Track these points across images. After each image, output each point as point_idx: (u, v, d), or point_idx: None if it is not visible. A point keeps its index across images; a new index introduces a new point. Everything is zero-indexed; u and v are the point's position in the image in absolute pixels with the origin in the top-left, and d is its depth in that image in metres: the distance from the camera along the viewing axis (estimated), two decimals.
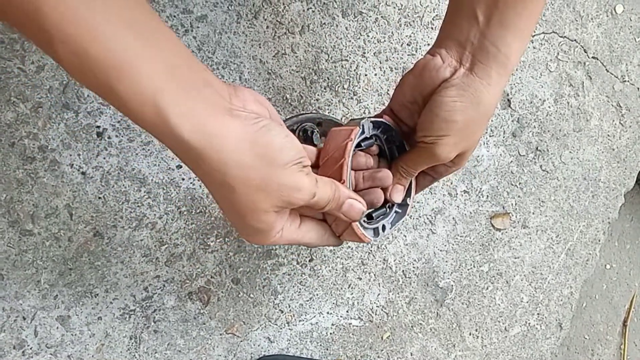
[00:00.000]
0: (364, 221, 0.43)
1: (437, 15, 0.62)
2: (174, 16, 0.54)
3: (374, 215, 0.44)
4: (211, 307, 0.58)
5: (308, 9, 0.58)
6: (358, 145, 0.42)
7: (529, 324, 0.72)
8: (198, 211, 0.57)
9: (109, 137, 0.54)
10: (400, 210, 0.46)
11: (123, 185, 0.54)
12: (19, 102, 0.51)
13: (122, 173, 0.54)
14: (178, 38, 0.31)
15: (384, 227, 0.45)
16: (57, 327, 0.54)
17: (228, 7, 0.55)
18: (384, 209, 0.45)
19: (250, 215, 0.33)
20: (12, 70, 0.50)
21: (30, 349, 0.53)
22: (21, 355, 0.53)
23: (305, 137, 0.52)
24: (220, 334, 0.59)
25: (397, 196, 0.44)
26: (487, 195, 0.67)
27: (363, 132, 0.42)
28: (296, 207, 0.36)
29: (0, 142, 0.51)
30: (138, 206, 0.55)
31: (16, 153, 0.51)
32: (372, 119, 0.43)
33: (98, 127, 0.53)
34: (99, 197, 0.54)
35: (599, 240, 0.75)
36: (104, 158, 0.54)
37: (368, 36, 0.60)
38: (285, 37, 0.58)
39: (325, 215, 0.41)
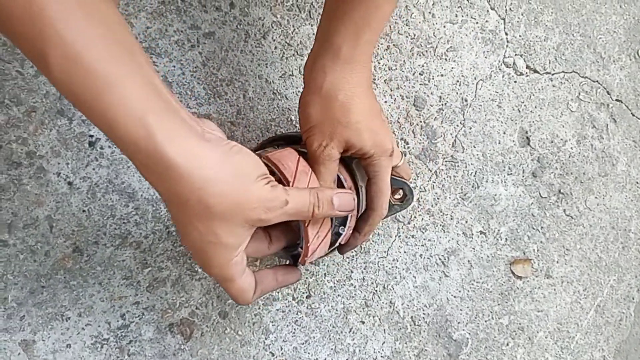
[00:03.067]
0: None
1: (451, 47, 0.61)
2: (181, 31, 0.54)
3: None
4: (193, 342, 0.53)
5: None
6: None
7: None
8: None
9: (101, 148, 0.52)
10: (342, 232, 0.45)
11: (110, 199, 0.52)
12: (12, 105, 0.50)
13: (111, 186, 0.52)
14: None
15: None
16: (19, 354, 0.49)
17: (237, 26, 0.55)
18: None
19: (221, 228, 0.34)
20: (9, 72, 0.50)
21: None
22: None
23: None
24: None
25: None
26: (506, 239, 0.63)
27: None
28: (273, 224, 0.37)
29: None
30: (124, 222, 0.52)
31: (2, 157, 0.49)
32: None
33: (91, 136, 0.52)
34: (83, 210, 0.51)
35: (633, 299, 0.68)
36: (94, 169, 0.51)
37: (379, 63, 0.59)
38: (293, 59, 0.57)
39: (308, 231, 0.40)
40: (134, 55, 0.31)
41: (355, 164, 0.47)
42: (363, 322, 0.58)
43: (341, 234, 0.44)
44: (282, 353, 0.56)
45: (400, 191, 0.51)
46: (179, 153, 0.31)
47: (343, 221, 0.44)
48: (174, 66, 0.54)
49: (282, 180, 0.40)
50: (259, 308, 0.55)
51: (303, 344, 0.56)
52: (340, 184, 0.45)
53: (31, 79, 0.50)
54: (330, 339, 0.57)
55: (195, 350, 0.53)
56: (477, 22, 0.63)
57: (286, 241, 0.43)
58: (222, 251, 0.35)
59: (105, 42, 0.29)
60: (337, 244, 0.45)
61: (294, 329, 0.56)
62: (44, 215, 0.50)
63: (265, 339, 0.55)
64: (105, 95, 0.29)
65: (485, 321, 0.62)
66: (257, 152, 0.44)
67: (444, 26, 0.62)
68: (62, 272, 0.51)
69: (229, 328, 0.54)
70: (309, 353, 0.56)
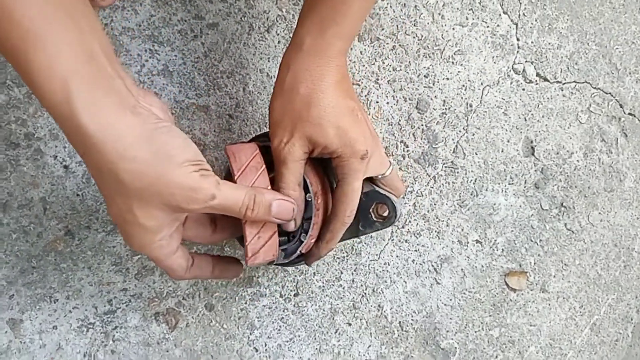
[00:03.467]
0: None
1: (459, 50, 0.60)
2: (185, 20, 0.54)
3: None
4: (178, 332, 0.54)
5: None
6: None
7: None
8: None
9: None
10: (304, 240, 0.44)
11: None
12: (13, 86, 0.51)
13: None
14: (103, 29, 0.34)
15: (283, 251, 0.44)
16: (6, 332, 0.50)
17: (241, 18, 0.55)
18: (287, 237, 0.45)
19: (139, 210, 0.33)
20: None
21: None
22: None
23: None
24: None
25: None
26: (503, 249, 0.62)
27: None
28: (201, 214, 0.38)
29: None
30: None
31: (1, 137, 0.50)
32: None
33: None
34: (77, 194, 0.52)
35: (632, 319, 0.66)
36: None
37: (383, 63, 0.59)
38: None
39: (245, 231, 0.39)
40: (75, 20, 0.30)
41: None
42: (350, 324, 0.58)
43: (303, 242, 0.43)
44: (266, 349, 0.56)
45: (385, 207, 0.46)
46: (95, 122, 0.30)
47: (307, 228, 0.43)
48: (176, 55, 0.54)
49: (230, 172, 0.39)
50: (246, 303, 0.56)
51: (288, 341, 0.56)
52: (305, 189, 0.43)
53: None
54: (315, 338, 0.57)
55: (180, 340, 0.54)
56: (488, 26, 0.62)
57: (231, 233, 0.42)
58: (142, 233, 0.34)
59: (42, 2, 0.29)
60: (298, 252, 0.44)
61: (280, 326, 0.56)
62: (38, 196, 0.51)
63: (250, 334, 0.56)
64: (32, 54, 0.29)
65: (475, 332, 0.61)
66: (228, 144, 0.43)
67: (453, 28, 0.61)
68: (53, 254, 0.51)
69: (214, 321, 0.55)
70: (293, 351, 0.56)
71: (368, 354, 0.58)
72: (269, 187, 0.40)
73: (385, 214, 0.46)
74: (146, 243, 0.35)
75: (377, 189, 0.46)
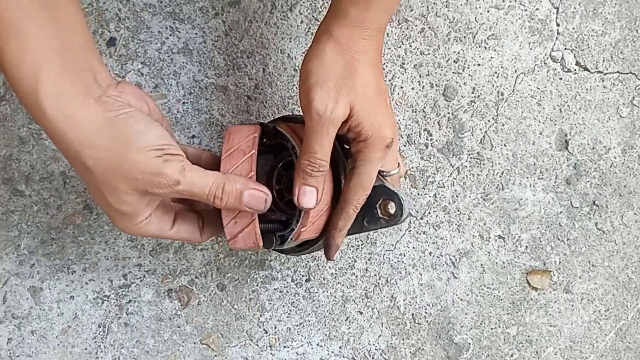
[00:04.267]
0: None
1: (493, 34, 0.57)
2: None
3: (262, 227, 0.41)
4: (190, 310, 0.54)
5: None
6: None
7: None
8: None
9: None
10: (295, 228, 0.42)
11: None
12: None
13: None
14: (84, 20, 0.34)
15: (279, 237, 0.42)
16: (27, 298, 0.52)
17: None
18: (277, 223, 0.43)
19: (110, 196, 0.34)
20: None
21: None
22: None
23: None
24: (194, 343, 0.55)
25: (306, 200, 0.39)
26: (527, 246, 0.59)
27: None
28: (178, 200, 0.40)
29: (11, 97, 0.51)
30: None
31: (24, 111, 0.51)
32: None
33: None
34: None
35: None
36: None
37: (410, 46, 0.56)
38: None
39: (222, 214, 0.39)
40: (51, 12, 0.31)
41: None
42: (361, 313, 0.57)
43: (294, 230, 0.41)
44: (275, 332, 0.56)
45: (392, 204, 0.42)
46: (58, 112, 0.31)
47: (297, 216, 0.41)
48: (196, 34, 0.53)
49: None
50: (257, 285, 0.56)
51: (297, 325, 0.56)
52: None
53: None
54: (325, 324, 0.57)
55: (191, 317, 0.55)
56: (526, 9, 0.58)
57: None
58: (121, 217, 0.35)
59: None
60: (289, 240, 0.41)
61: (290, 310, 0.56)
62: (59, 170, 0.52)
63: (260, 315, 0.56)
64: (5, 44, 0.30)
65: (492, 328, 0.59)
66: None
67: (488, 11, 0.57)
68: (72, 227, 0.53)
69: (226, 301, 0.55)
70: (302, 335, 0.56)
71: (378, 343, 0.58)
72: (252, 174, 0.38)
73: (392, 211, 0.43)
74: (128, 226, 0.36)
75: (386, 184, 0.43)
